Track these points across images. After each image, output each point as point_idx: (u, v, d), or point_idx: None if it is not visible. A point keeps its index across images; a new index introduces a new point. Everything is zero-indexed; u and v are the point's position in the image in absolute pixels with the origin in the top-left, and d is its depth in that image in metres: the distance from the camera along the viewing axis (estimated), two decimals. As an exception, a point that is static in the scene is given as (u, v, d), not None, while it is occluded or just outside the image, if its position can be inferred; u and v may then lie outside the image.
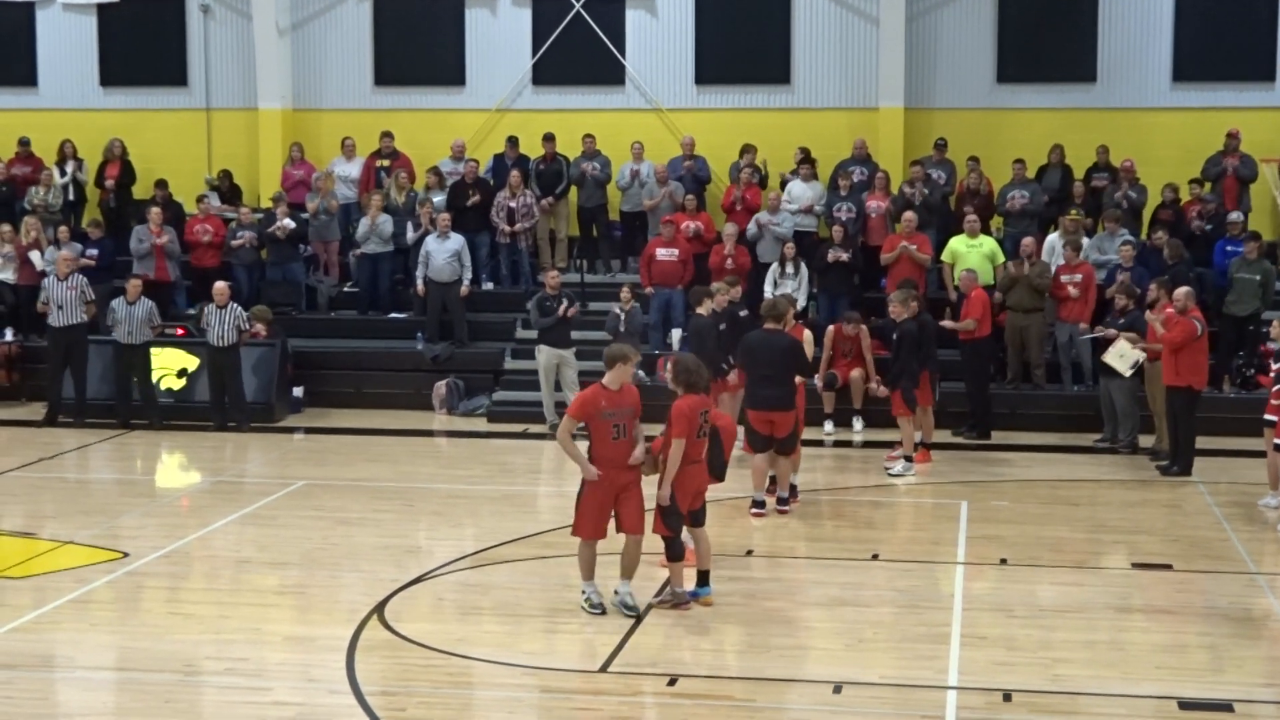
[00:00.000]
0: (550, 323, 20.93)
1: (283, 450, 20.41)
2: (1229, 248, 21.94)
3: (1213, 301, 21.25)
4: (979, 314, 20.42)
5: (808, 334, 17.69)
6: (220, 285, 21.70)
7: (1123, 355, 19.12)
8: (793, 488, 16.49)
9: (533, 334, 21.71)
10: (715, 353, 17.44)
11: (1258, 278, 21.30)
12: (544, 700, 10.90)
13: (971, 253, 21.92)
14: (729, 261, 22.29)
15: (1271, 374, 16.97)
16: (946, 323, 20.39)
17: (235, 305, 21.53)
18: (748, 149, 24.45)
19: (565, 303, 20.99)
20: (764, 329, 16.19)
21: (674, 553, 12.61)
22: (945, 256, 22.31)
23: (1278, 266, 21.96)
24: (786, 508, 16.20)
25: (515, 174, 24.16)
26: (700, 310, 17.88)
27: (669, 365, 13.24)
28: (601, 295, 23.34)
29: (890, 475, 18.31)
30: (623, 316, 21.12)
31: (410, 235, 23.82)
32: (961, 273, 21.11)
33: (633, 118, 25.72)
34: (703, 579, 12.87)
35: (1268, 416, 16.61)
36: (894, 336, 18.65)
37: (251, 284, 23.70)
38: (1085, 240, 22.10)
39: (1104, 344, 19.68)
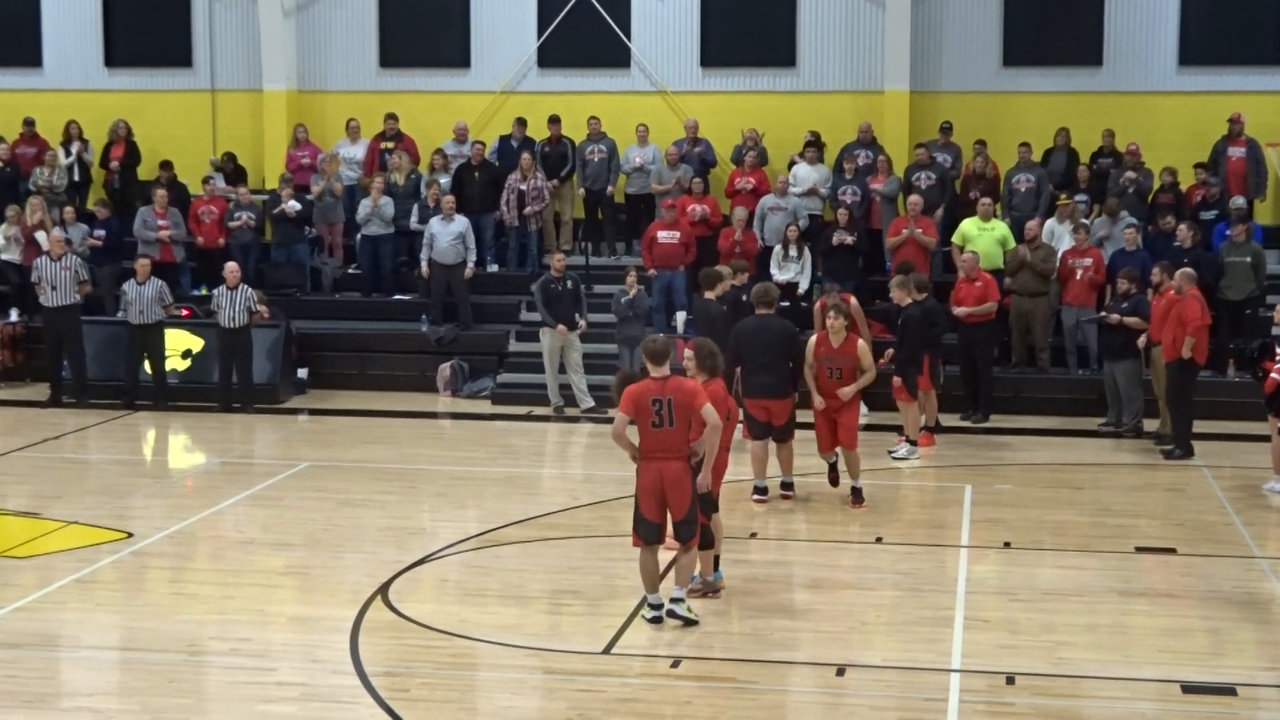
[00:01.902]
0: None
1: (287, 432, 20.44)
2: (1229, 231, 21.95)
3: (1215, 285, 21.22)
4: (998, 296, 20.63)
5: (854, 302, 18.35)
6: (232, 266, 21.71)
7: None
8: (832, 468, 16.36)
9: (537, 316, 21.71)
10: (724, 338, 17.38)
11: (1248, 259, 21.30)
12: (547, 681, 10.93)
13: (983, 236, 21.91)
14: (737, 246, 22.28)
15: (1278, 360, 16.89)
16: (962, 309, 20.40)
17: (246, 287, 21.53)
18: (751, 132, 24.40)
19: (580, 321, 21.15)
20: (757, 315, 16.11)
21: (705, 540, 12.36)
22: (956, 239, 22.29)
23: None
24: (790, 493, 16.20)
25: (526, 156, 24.12)
26: (710, 294, 17.84)
27: (689, 350, 12.99)
28: (606, 278, 23.33)
29: (894, 459, 18.32)
30: (631, 297, 21.09)
31: (414, 219, 23.78)
32: (965, 255, 21.08)
33: (638, 100, 25.66)
34: (714, 563, 12.86)
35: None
36: (899, 322, 18.66)
37: (248, 265, 23.50)
38: (1085, 222, 22.11)
39: (1109, 328, 19.68)
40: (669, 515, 11.93)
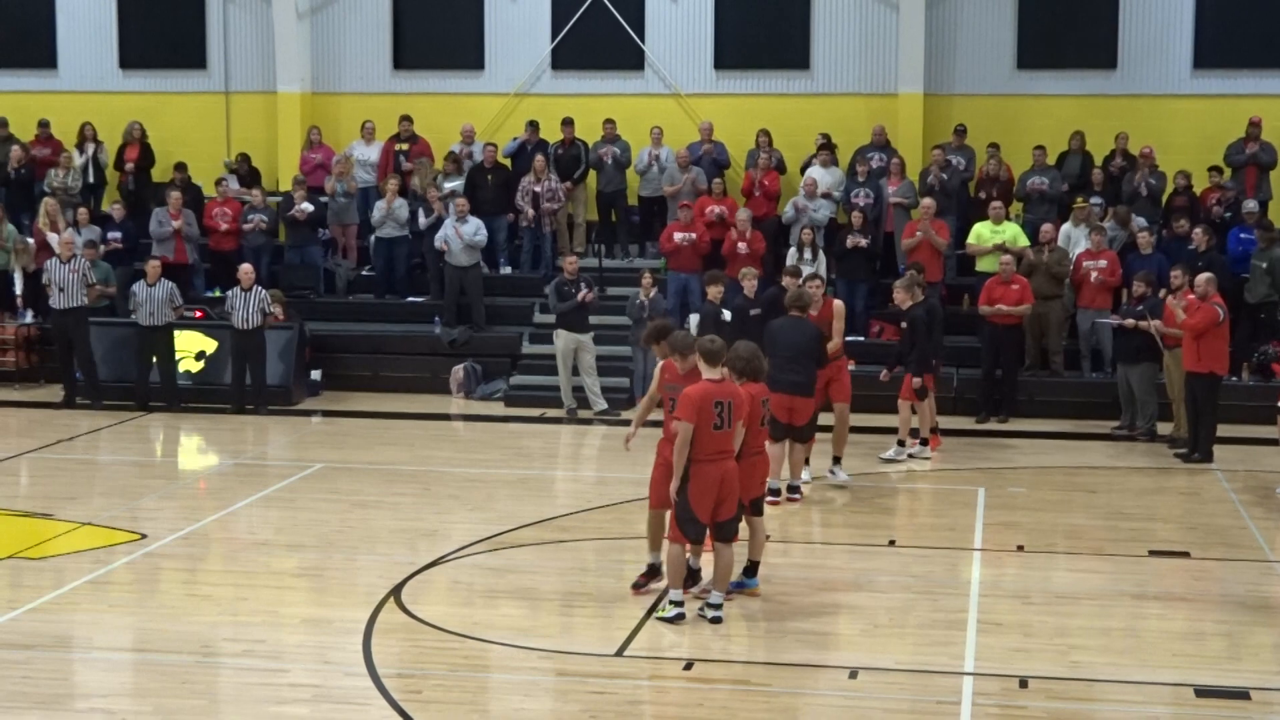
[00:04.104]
0: (569, 307, 20.95)
1: (300, 433, 20.45)
2: (1243, 235, 21.96)
3: (1230, 289, 21.17)
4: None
5: (839, 305, 17.74)
6: (245, 268, 21.75)
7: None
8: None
9: (550, 318, 21.72)
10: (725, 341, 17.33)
11: (1265, 265, 21.28)
12: (560, 684, 10.92)
13: (995, 239, 21.92)
14: (741, 246, 22.28)
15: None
16: (1002, 306, 20.42)
17: (259, 288, 21.56)
18: (763, 134, 24.42)
19: (584, 288, 21.01)
20: (790, 316, 16.18)
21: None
22: (970, 242, 22.31)
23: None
24: (797, 496, 16.16)
25: (540, 158, 24.12)
26: (709, 296, 17.82)
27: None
28: (619, 280, 23.32)
29: (882, 459, 18.20)
30: (646, 302, 21.09)
31: (422, 221, 23.77)
32: (1004, 258, 20.99)
33: (652, 103, 25.68)
34: (751, 570, 12.84)
35: None
36: (902, 324, 18.56)
37: (261, 266, 23.38)
38: (1101, 224, 22.09)
39: (1125, 332, 19.63)
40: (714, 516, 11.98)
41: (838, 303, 17.81)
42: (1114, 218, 22.47)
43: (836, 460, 17.22)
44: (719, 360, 12.01)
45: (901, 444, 18.40)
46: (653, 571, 12.64)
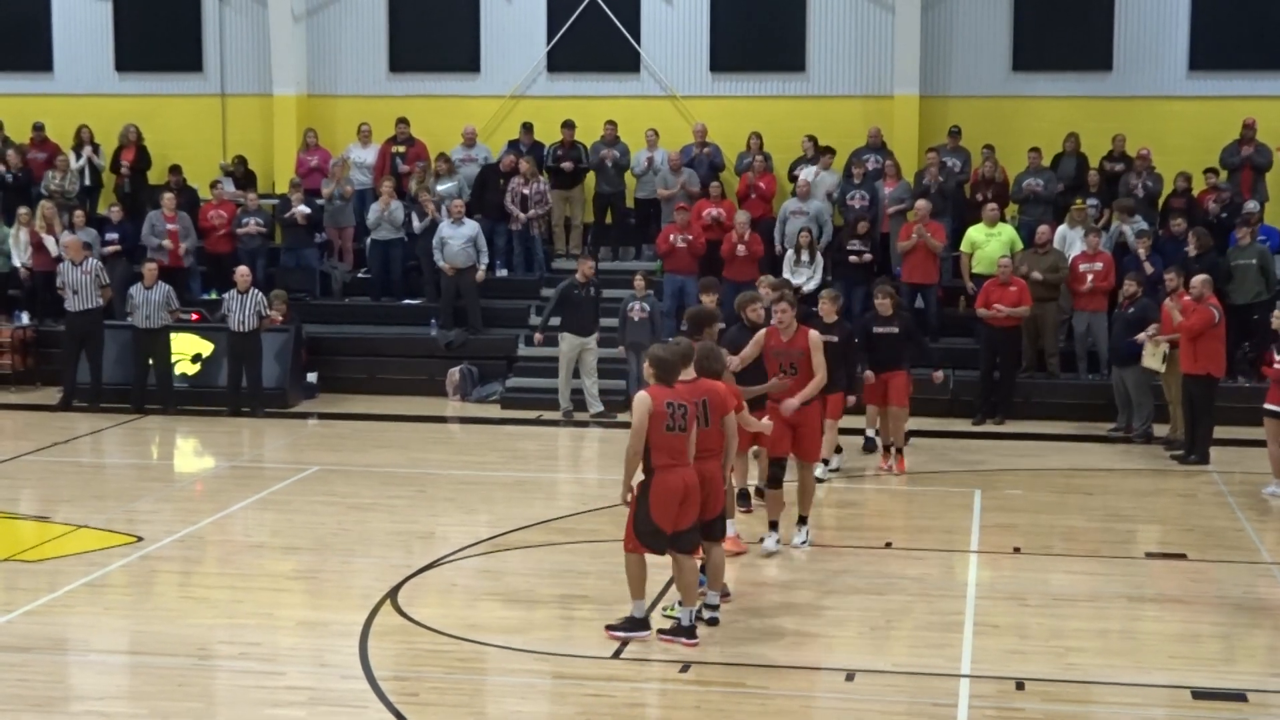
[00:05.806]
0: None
1: (296, 436, 20.45)
2: (1235, 235, 21.91)
3: (1226, 290, 21.19)
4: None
5: (814, 335, 16.41)
6: (242, 270, 21.76)
7: (1153, 354, 19.07)
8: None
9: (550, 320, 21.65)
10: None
11: (1254, 262, 21.27)
12: (557, 686, 10.92)
13: (990, 241, 21.93)
14: (740, 248, 22.28)
15: (1277, 364, 16.73)
16: (999, 307, 20.42)
17: (256, 291, 21.57)
18: (755, 136, 24.42)
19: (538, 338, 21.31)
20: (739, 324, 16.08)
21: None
22: (964, 245, 22.32)
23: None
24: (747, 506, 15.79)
25: (524, 162, 24.11)
26: (705, 298, 17.76)
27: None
28: (617, 283, 23.29)
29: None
30: (637, 309, 20.96)
31: (416, 224, 23.73)
32: (1001, 260, 20.98)
33: (647, 105, 25.69)
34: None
35: (1268, 406, 16.64)
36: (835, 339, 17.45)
37: (257, 269, 23.32)
38: (1102, 228, 22.09)
39: (1121, 331, 19.61)
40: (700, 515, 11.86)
41: (813, 333, 14.62)
42: (1116, 209, 22.45)
43: (801, 520, 14.75)
44: (686, 362, 11.87)
45: (825, 461, 17.07)
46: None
